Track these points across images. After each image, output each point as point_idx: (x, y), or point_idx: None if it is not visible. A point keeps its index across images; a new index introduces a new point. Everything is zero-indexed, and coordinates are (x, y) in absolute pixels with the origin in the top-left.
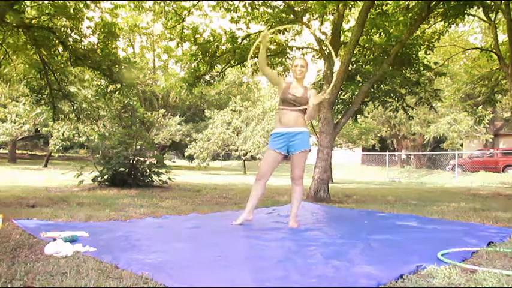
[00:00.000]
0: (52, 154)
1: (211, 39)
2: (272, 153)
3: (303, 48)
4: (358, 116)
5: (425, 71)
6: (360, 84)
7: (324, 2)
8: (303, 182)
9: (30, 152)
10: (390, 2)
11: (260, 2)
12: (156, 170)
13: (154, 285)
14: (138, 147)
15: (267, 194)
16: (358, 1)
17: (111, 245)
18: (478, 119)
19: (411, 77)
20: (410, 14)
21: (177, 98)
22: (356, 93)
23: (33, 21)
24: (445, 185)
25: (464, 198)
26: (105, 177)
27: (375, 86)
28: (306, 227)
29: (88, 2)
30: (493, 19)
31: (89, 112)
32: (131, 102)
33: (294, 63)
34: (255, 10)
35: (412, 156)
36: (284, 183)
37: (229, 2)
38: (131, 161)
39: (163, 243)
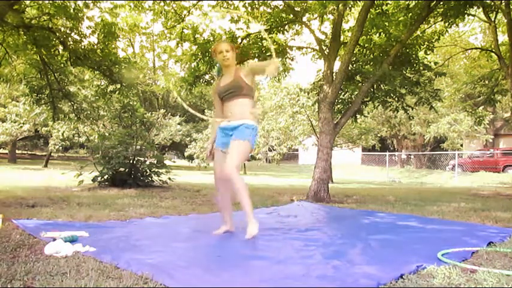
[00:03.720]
0: (52, 154)
1: (211, 39)
2: (219, 152)
3: (303, 48)
4: (358, 116)
5: (425, 71)
6: (359, 84)
7: (324, 2)
8: (237, 176)
9: (30, 152)
10: (390, 2)
11: (260, 1)
12: (156, 170)
13: (154, 285)
14: (138, 147)
15: (267, 194)
16: (358, 1)
17: (111, 245)
18: (478, 119)
19: (411, 77)
20: (410, 14)
21: (177, 98)
22: (356, 93)
23: (33, 21)
24: (445, 185)
25: (464, 198)
26: (105, 177)
27: (375, 86)
28: (306, 227)
29: (88, 1)
30: (493, 19)
31: (88, 112)
32: (131, 102)
33: (217, 49)
34: (255, 10)
35: (412, 156)
36: (284, 183)
37: (229, 2)
38: (131, 161)
39: (163, 243)
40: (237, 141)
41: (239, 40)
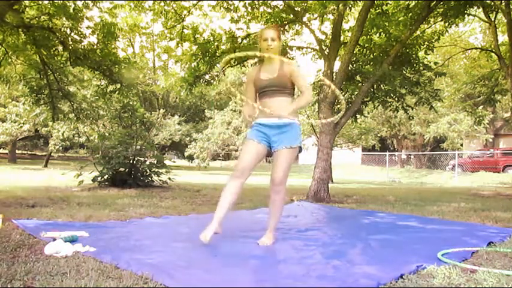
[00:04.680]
0: (52, 154)
1: (211, 39)
2: (254, 143)
3: (303, 48)
4: (358, 116)
5: (425, 71)
6: (359, 84)
7: (324, 2)
8: (284, 189)
9: (30, 152)
10: (390, 2)
11: (260, 1)
12: (156, 170)
13: (154, 285)
14: (138, 147)
15: (267, 194)
16: (358, 1)
17: (111, 245)
18: (477, 119)
19: (411, 77)
20: (410, 14)
21: (177, 98)
22: (356, 93)
23: (33, 21)
24: (445, 185)
25: (464, 198)
26: (105, 177)
27: (375, 86)
28: (306, 227)
29: (88, 2)
30: (493, 19)
31: (88, 112)
32: (131, 102)
33: (262, 35)
34: (255, 10)
35: (412, 156)
36: None
37: (229, 1)
38: (131, 161)
39: (163, 243)
40: (289, 149)
41: (239, 40)
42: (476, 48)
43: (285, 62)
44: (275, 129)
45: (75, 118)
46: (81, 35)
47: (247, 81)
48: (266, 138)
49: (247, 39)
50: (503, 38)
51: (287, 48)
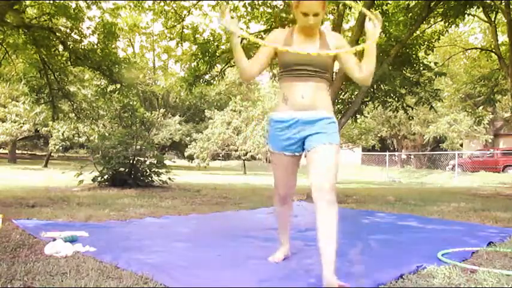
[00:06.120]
0: (52, 154)
1: (211, 39)
2: (282, 157)
3: None
4: (358, 116)
5: (425, 71)
6: (359, 84)
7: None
8: (335, 198)
9: (30, 152)
10: (390, 2)
11: (260, 1)
12: (156, 170)
13: (154, 285)
14: (138, 147)
15: (267, 194)
16: (358, 1)
17: (111, 245)
18: (477, 119)
19: (411, 77)
20: (410, 14)
21: (177, 98)
22: (356, 93)
23: (33, 21)
24: (445, 185)
25: (464, 198)
26: (105, 177)
27: (375, 86)
28: (306, 227)
29: (88, 2)
30: (493, 19)
31: (88, 112)
32: (131, 102)
33: (300, 6)
34: (255, 10)
35: (412, 156)
36: None
37: (230, 1)
38: (131, 161)
39: (163, 243)
40: (332, 146)
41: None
42: (476, 48)
43: (329, 34)
44: (309, 124)
45: (75, 118)
46: (82, 35)
47: (264, 45)
48: (294, 141)
49: (247, 39)
50: (503, 38)
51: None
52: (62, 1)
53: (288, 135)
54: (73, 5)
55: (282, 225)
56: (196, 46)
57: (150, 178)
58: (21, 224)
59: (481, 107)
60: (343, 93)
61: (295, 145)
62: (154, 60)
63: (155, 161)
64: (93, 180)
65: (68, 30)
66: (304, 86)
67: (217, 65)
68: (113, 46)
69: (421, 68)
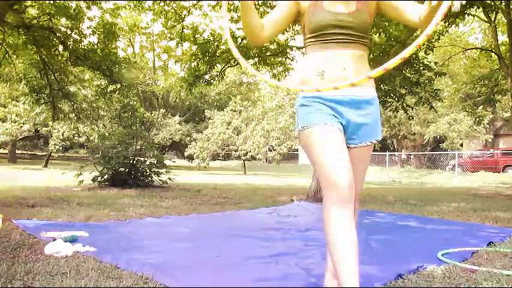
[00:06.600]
0: (52, 154)
1: (211, 39)
2: (331, 129)
3: (303, 48)
4: None
5: (425, 71)
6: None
7: None
8: (359, 203)
9: (30, 152)
10: None
11: (260, 2)
12: (156, 170)
13: (154, 285)
14: (138, 147)
15: (267, 194)
16: (357, 1)
17: (111, 245)
18: (477, 119)
19: (411, 77)
20: None
21: (177, 98)
22: None
23: (33, 21)
24: (445, 185)
25: (464, 198)
26: (105, 177)
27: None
28: (306, 227)
29: (89, 2)
30: (493, 19)
31: (89, 112)
32: (131, 102)
33: None
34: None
35: (412, 156)
36: (284, 183)
37: (229, 2)
38: (131, 161)
39: (163, 243)
40: (372, 145)
41: (239, 40)
42: (476, 48)
43: None
44: (353, 108)
45: (75, 118)
46: (82, 35)
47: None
48: (340, 121)
49: (247, 39)
50: (503, 38)
51: (287, 49)
52: (62, 1)
53: (335, 110)
54: (73, 5)
55: (342, 250)
56: (196, 46)
57: (150, 178)
58: (21, 224)
59: (481, 107)
60: None
61: (339, 122)
62: (154, 60)
63: (155, 161)
64: (93, 180)
65: (68, 31)
66: (344, 55)
67: (217, 65)
68: (113, 46)
69: (421, 68)
